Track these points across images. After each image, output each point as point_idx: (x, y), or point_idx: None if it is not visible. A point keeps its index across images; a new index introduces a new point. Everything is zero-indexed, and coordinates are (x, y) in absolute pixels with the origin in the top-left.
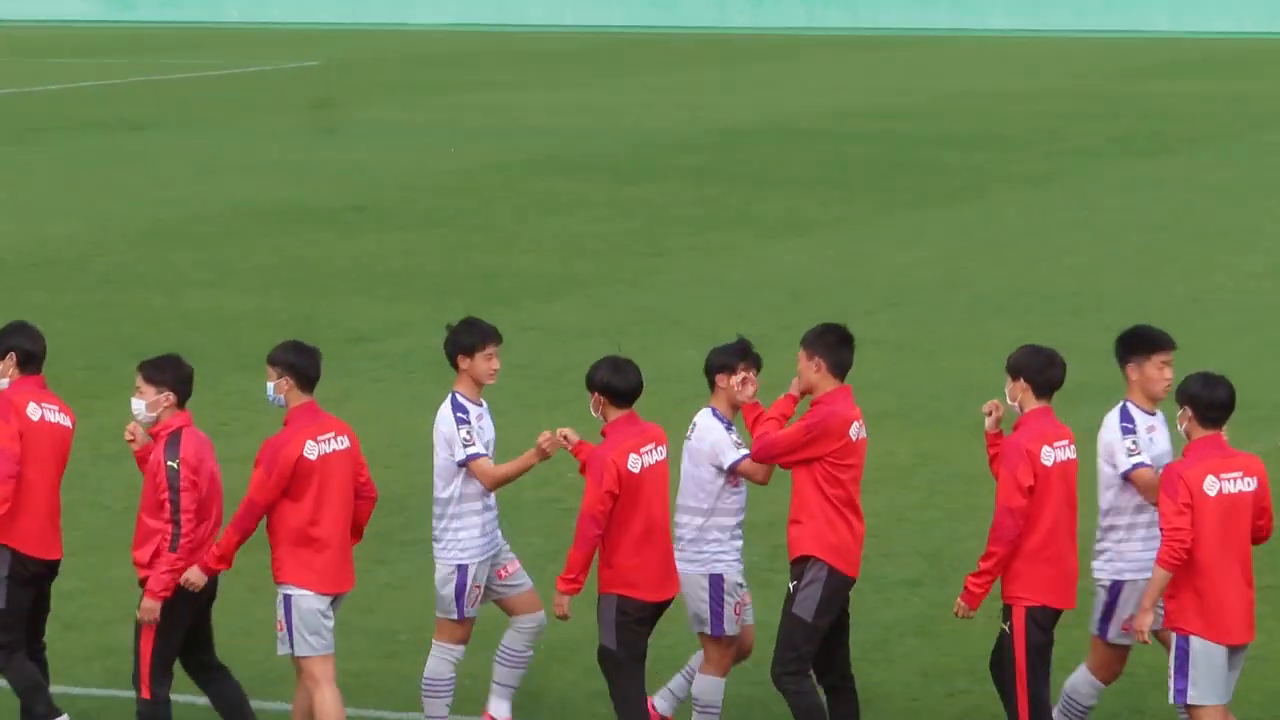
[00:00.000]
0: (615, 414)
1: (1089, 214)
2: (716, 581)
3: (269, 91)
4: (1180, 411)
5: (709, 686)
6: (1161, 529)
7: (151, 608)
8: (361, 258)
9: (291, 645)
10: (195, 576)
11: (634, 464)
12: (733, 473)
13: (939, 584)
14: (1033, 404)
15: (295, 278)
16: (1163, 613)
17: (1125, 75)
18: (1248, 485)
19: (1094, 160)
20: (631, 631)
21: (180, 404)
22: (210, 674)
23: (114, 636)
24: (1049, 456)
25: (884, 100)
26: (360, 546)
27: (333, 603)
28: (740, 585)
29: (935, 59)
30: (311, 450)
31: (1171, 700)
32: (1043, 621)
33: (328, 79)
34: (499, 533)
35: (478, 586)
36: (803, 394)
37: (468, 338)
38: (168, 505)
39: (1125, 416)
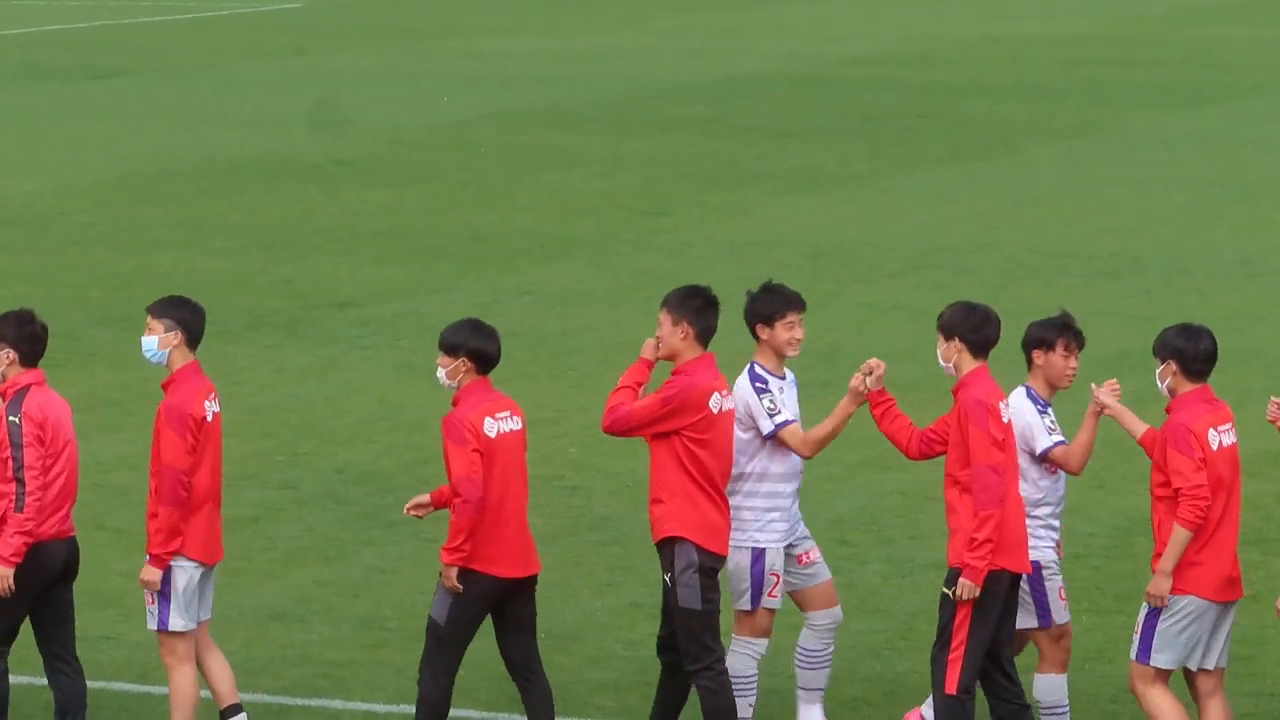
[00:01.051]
0: (471, 378)
1: (1128, 169)
2: (1037, 569)
3: (245, 36)
4: (1164, 366)
5: (1051, 685)
6: (1179, 488)
7: (3, 574)
8: (345, 216)
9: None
10: None
11: (490, 428)
12: (1045, 459)
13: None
14: (970, 364)
15: (274, 238)
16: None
17: (1169, 19)
18: (1234, 438)
19: (1134, 111)
20: (469, 607)
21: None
22: (59, 665)
23: (81, 623)
24: (1005, 414)
25: (907, 46)
26: (347, 527)
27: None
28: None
29: (962, 3)
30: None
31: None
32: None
33: (309, 23)
34: (800, 515)
35: (776, 574)
36: (661, 359)
37: (767, 305)
38: (9, 463)
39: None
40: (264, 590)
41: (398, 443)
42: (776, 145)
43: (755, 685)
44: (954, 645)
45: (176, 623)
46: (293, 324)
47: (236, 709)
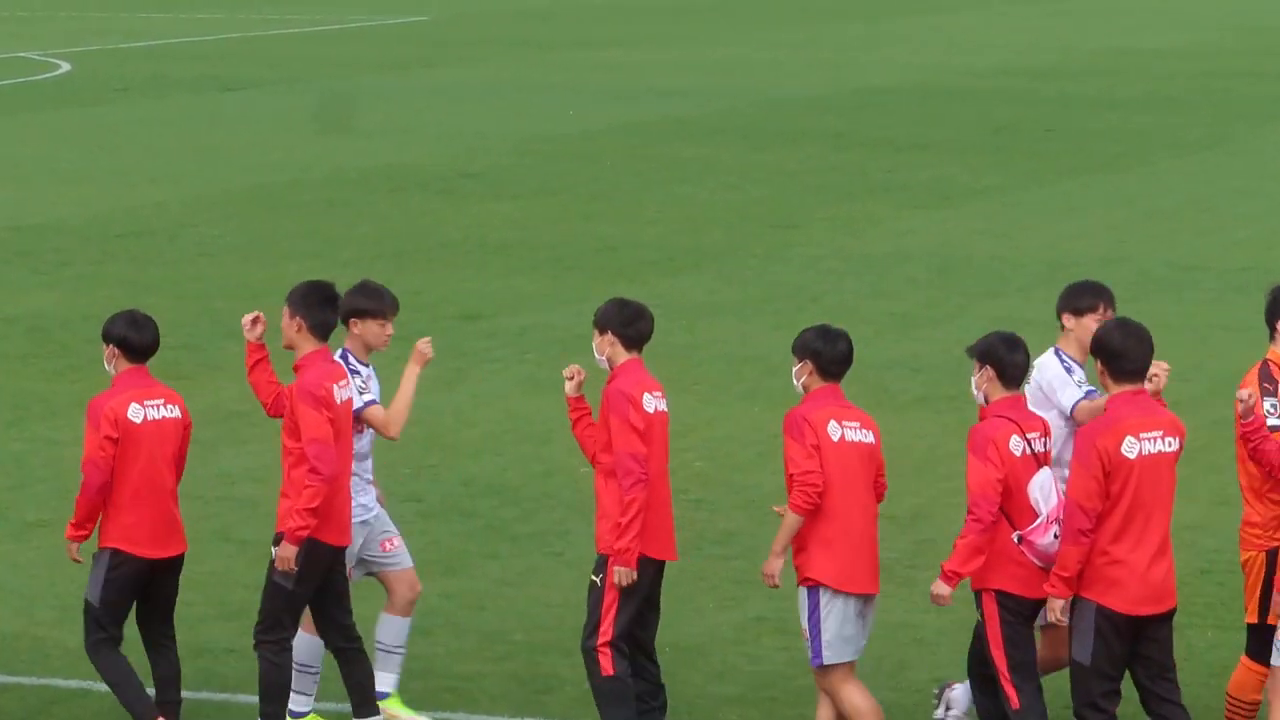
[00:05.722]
0: (125, 365)
1: (1261, 182)
2: None
3: (373, 48)
4: (800, 365)
5: None
6: (791, 474)
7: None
8: (473, 228)
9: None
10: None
11: (135, 414)
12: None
13: None
14: (623, 356)
15: (402, 249)
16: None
17: None
18: (870, 436)
19: (1267, 124)
20: (119, 588)
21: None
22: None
23: (206, 635)
24: (650, 404)
25: (1037, 58)
26: (473, 540)
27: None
28: None
29: (1093, 13)
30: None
31: None
32: None
33: (437, 34)
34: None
35: None
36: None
37: (1076, 300)
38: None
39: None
40: None
41: (524, 455)
42: (906, 158)
43: None
44: (602, 631)
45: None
46: (420, 336)
47: None
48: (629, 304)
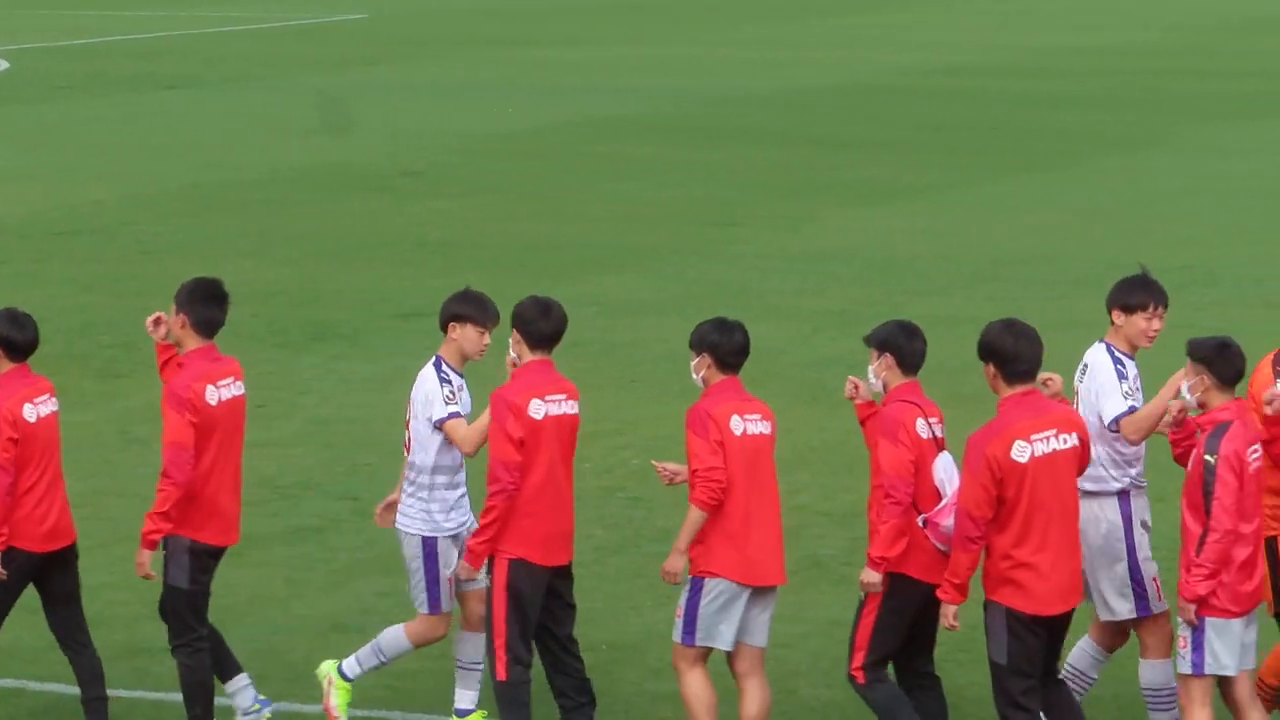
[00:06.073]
0: (7, 365)
1: (1201, 181)
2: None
3: (314, 46)
4: (699, 359)
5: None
6: (695, 469)
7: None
8: (413, 226)
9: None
10: None
11: (29, 413)
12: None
13: None
14: (528, 356)
15: (342, 247)
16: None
17: (1243, 28)
18: (767, 428)
19: (1207, 122)
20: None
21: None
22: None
23: (141, 634)
24: (540, 410)
25: (978, 57)
26: None
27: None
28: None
29: (1033, 12)
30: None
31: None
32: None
33: (377, 32)
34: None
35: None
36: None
37: (1127, 296)
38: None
39: None
40: (325, 601)
41: None
42: (846, 156)
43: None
44: (496, 634)
45: None
46: (357, 334)
47: None
48: (540, 301)
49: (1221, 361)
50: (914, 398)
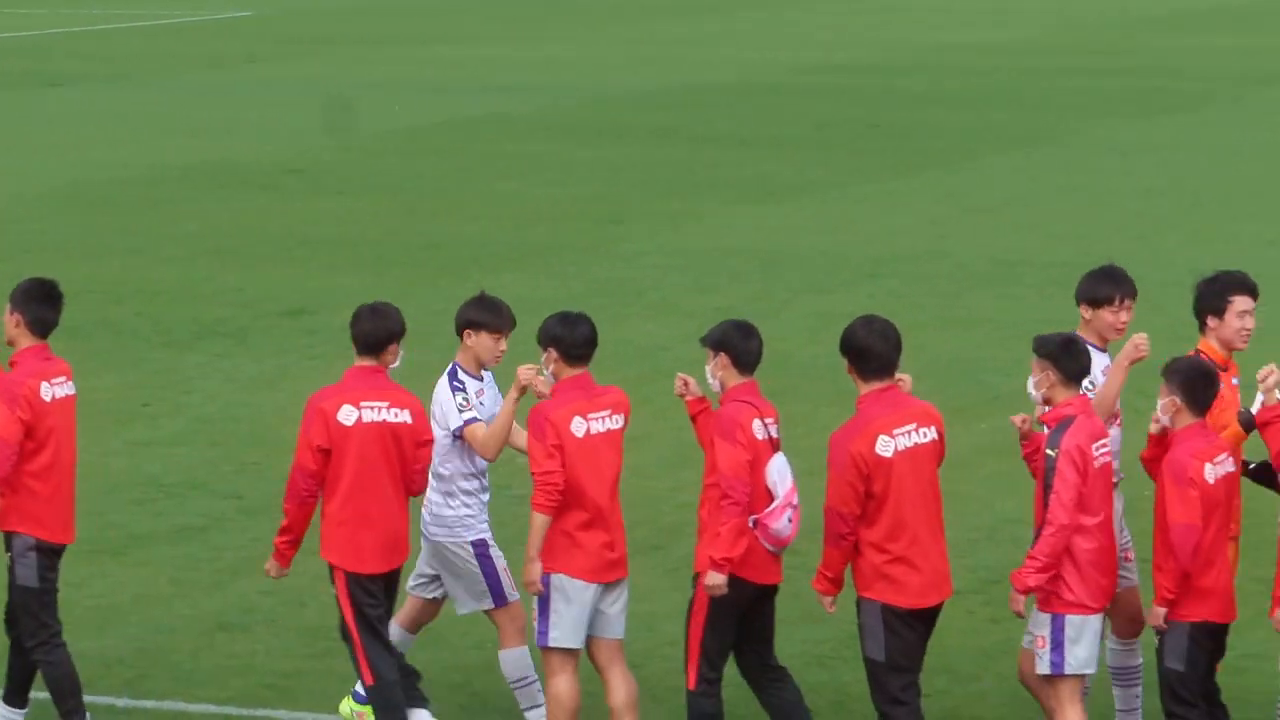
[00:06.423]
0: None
1: (1082, 178)
2: None
3: (197, 44)
4: (546, 354)
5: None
6: (533, 472)
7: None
8: (296, 224)
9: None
10: None
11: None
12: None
13: None
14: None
15: (225, 245)
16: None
17: (1124, 27)
18: (616, 424)
19: (1088, 120)
20: None
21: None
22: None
23: None
24: (350, 416)
25: (862, 54)
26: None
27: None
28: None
29: (917, 9)
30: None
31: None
32: None
33: (260, 30)
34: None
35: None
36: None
37: (1094, 290)
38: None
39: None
40: (210, 600)
41: None
42: (731, 153)
43: None
44: (355, 640)
45: None
46: (242, 333)
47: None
48: (366, 306)
49: (1067, 358)
50: (750, 398)
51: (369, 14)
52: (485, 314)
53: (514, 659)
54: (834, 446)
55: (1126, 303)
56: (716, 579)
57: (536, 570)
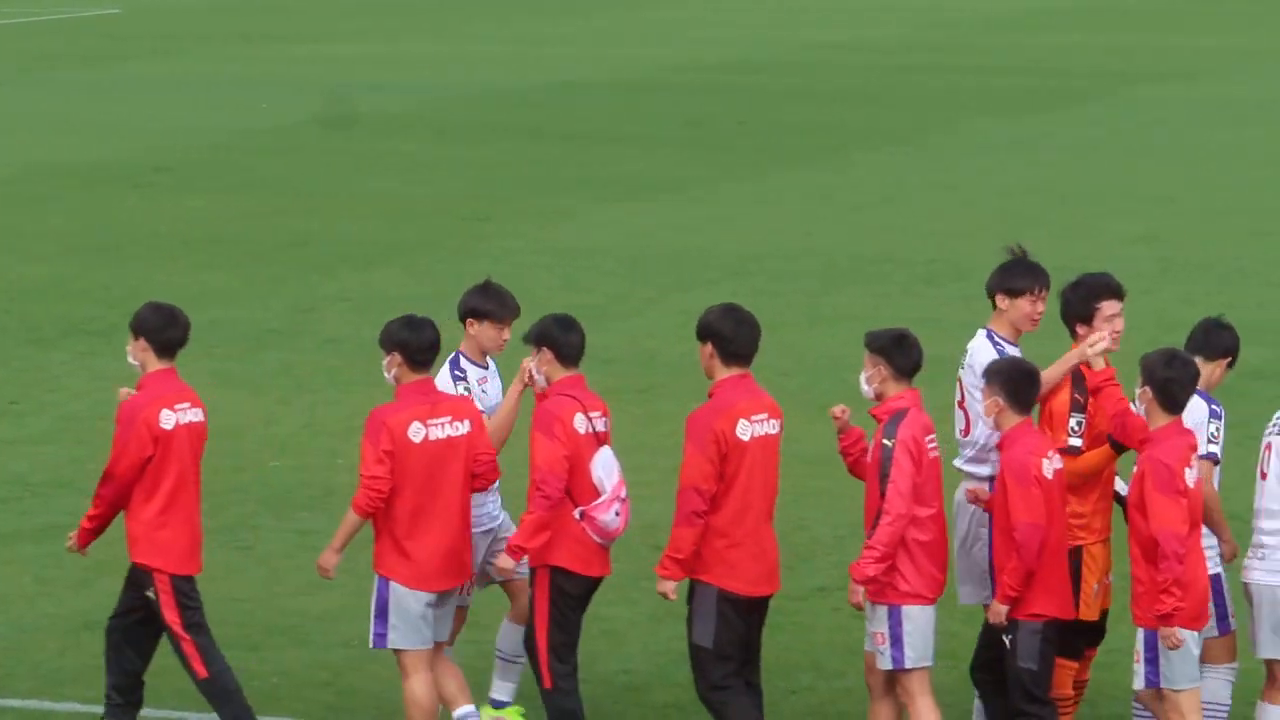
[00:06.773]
0: (156, 366)
1: (951, 176)
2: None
3: (65, 41)
4: (389, 358)
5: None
6: (362, 474)
7: None
8: (165, 222)
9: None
10: None
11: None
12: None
13: (786, 573)
14: (154, 365)
15: (94, 243)
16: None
17: (991, 26)
18: (461, 431)
19: (956, 118)
20: None
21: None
22: None
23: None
24: (169, 420)
25: (731, 51)
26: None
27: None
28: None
29: (785, 7)
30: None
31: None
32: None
33: (129, 28)
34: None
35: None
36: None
37: (1010, 280)
38: None
39: None
40: (76, 598)
41: (213, 449)
42: (600, 151)
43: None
44: (183, 641)
45: None
46: (110, 331)
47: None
48: (161, 308)
49: (898, 352)
50: (575, 391)
51: (236, 12)
52: (488, 303)
53: (516, 634)
54: (693, 424)
55: (1042, 293)
56: (506, 563)
57: (333, 560)
